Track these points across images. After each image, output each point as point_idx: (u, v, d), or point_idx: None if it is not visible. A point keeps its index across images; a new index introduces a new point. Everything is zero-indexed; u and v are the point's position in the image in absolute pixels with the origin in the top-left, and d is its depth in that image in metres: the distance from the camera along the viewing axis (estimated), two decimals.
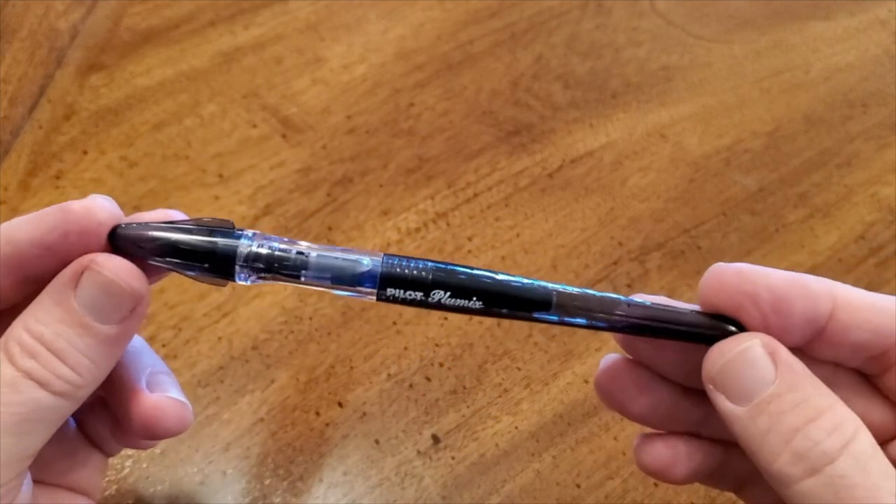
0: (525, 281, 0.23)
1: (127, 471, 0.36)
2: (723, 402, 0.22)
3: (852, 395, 0.23)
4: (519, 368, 0.42)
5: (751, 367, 0.21)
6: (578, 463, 0.39)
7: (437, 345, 0.42)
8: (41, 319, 0.21)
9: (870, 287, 0.47)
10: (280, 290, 0.43)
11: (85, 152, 0.48)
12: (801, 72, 0.60)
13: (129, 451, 0.37)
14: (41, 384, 0.21)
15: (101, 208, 0.22)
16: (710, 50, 0.60)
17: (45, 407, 0.21)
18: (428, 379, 0.41)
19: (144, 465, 0.37)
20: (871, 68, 0.61)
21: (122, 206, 0.24)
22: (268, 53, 0.55)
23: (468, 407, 0.40)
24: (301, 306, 0.42)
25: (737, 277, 0.23)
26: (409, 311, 0.43)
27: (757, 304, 0.22)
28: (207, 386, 0.39)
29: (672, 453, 0.25)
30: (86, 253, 0.22)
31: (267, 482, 0.37)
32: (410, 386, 0.41)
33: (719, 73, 0.59)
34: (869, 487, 0.19)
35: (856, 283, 0.23)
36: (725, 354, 0.22)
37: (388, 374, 0.41)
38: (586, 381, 0.42)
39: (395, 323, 0.43)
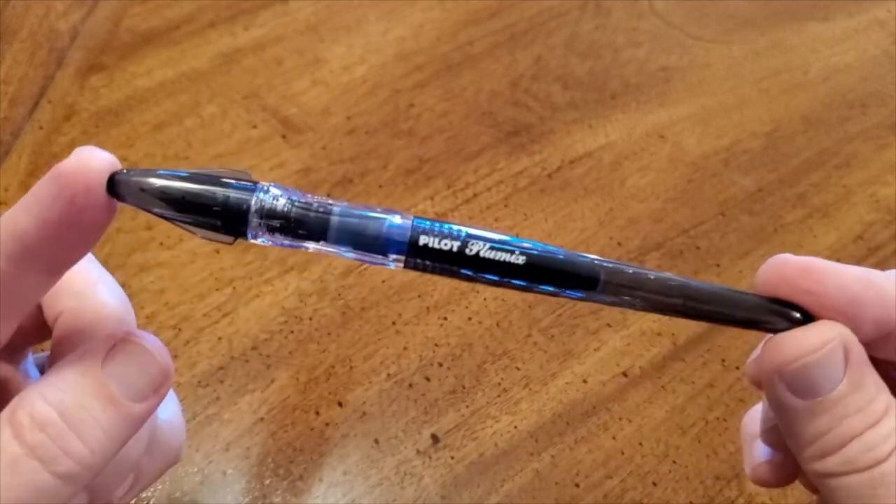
0: (570, 252, 0.21)
1: None
2: (783, 394, 0.20)
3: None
4: (518, 368, 0.42)
5: (827, 365, 0.20)
6: (577, 462, 0.39)
7: (436, 345, 0.42)
8: (62, 386, 0.19)
9: None
10: (280, 291, 0.43)
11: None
12: (800, 72, 0.60)
13: None
14: (45, 463, 0.19)
15: (92, 158, 0.20)
16: (709, 50, 0.60)
17: (43, 492, 0.19)
18: (427, 379, 0.41)
19: None
20: (869, 69, 0.61)
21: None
22: (268, 54, 0.55)
23: (467, 407, 0.40)
24: (301, 306, 0.43)
25: (804, 273, 0.21)
26: (409, 311, 0.43)
27: (825, 305, 0.21)
28: (207, 386, 0.39)
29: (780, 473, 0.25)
30: (96, 207, 0.20)
31: (267, 482, 0.37)
32: (410, 386, 0.41)
33: (718, 74, 0.59)
34: None
35: None
36: (805, 353, 0.20)
37: (388, 374, 0.41)
38: (585, 381, 0.42)
39: (394, 323, 0.43)
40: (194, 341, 0.41)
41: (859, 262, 0.49)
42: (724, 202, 0.51)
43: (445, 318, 0.43)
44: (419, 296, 0.44)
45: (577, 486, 0.39)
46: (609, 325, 0.44)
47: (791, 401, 0.20)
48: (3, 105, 0.49)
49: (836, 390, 0.20)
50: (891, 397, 0.20)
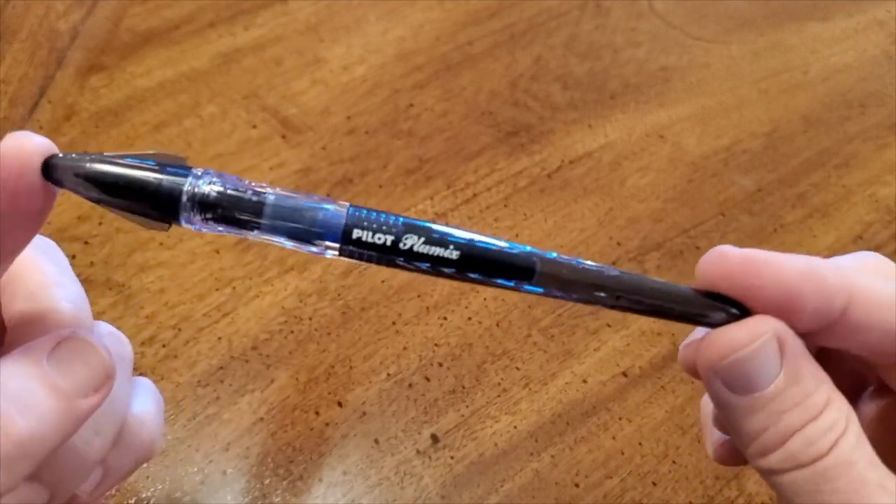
0: (509, 243, 0.21)
1: None
2: (719, 389, 0.20)
3: (847, 378, 0.22)
4: (518, 368, 0.42)
5: (760, 360, 0.20)
6: (577, 462, 0.39)
7: (436, 345, 0.42)
8: (7, 375, 0.19)
9: None
10: (280, 291, 0.43)
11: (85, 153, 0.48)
12: (800, 72, 0.60)
13: None
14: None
15: (26, 141, 0.20)
16: (708, 51, 0.60)
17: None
18: (427, 379, 0.41)
19: (144, 465, 0.37)
20: (869, 69, 0.61)
21: None
22: (268, 54, 0.55)
23: (467, 407, 0.40)
24: (301, 306, 0.43)
25: (742, 266, 0.20)
26: (409, 311, 0.43)
27: (764, 298, 0.20)
28: (207, 386, 0.39)
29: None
30: (31, 192, 0.20)
31: (267, 482, 0.37)
32: (410, 386, 0.41)
33: (718, 74, 0.59)
34: (853, 479, 0.19)
35: None
36: (737, 348, 0.20)
37: (388, 374, 0.41)
38: (585, 381, 0.42)
39: (394, 323, 0.43)
40: (194, 341, 0.41)
41: None
42: (724, 202, 0.51)
43: (445, 318, 0.43)
44: (419, 296, 0.44)
45: (576, 486, 0.39)
46: (609, 325, 0.44)
47: (729, 397, 0.20)
48: (3, 105, 0.49)
49: (773, 385, 0.20)
50: (832, 389, 0.20)
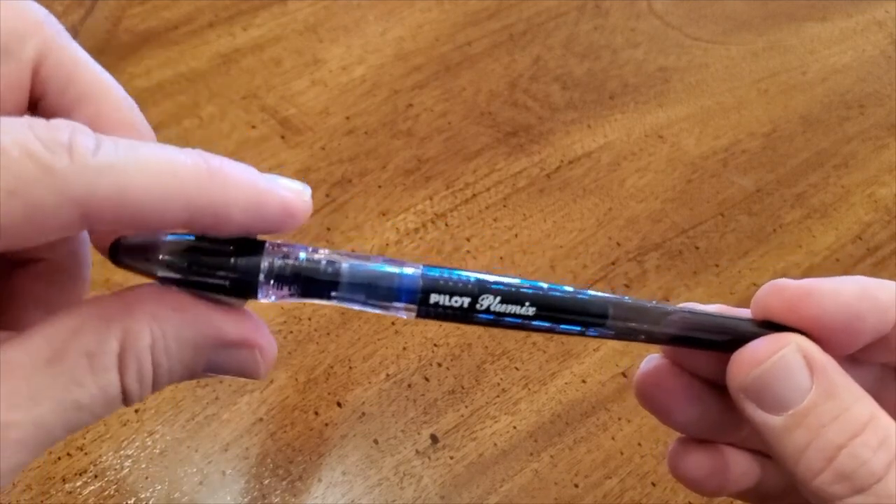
0: (576, 290, 0.21)
1: (126, 471, 0.36)
2: (754, 411, 0.20)
3: (894, 396, 0.22)
4: (517, 368, 0.42)
5: (786, 374, 0.20)
6: (577, 462, 0.39)
7: (435, 345, 0.42)
8: (170, 351, 0.18)
9: None
10: None
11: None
12: (798, 73, 0.60)
13: (129, 451, 0.37)
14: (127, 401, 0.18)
15: (304, 210, 0.19)
16: (707, 51, 0.60)
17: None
18: (426, 379, 0.41)
19: (144, 466, 0.37)
20: (867, 69, 0.61)
21: None
22: (266, 55, 0.55)
23: (467, 407, 0.40)
24: (300, 307, 0.43)
25: (803, 296, 0.21)
26: None
27: (826, 324, 0.20)
28: (206, 386, 0.39)
29: (709, 464, 0.24)
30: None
31: (266, 482, 0.37)
32: (409, 386, 0.41)
33: (716, 75, 0.59)
34: None
35: None
36: (759, 361, 0.20)
37: (387, 375, 0.41)
38: (584, 381, 0.42)
39: (393, 323, 0.43)
40: None
41: (858, 262, 0.49)
42: (723, 202, 0.51)
43: None
44: None
45: (576, 486, 0.39)
46: None
47: (763, 418, 0.20)
48: None
49: (807, 400, 0.20)
50: (873, 403, 0.20)
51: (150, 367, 0.18)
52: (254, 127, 0.50)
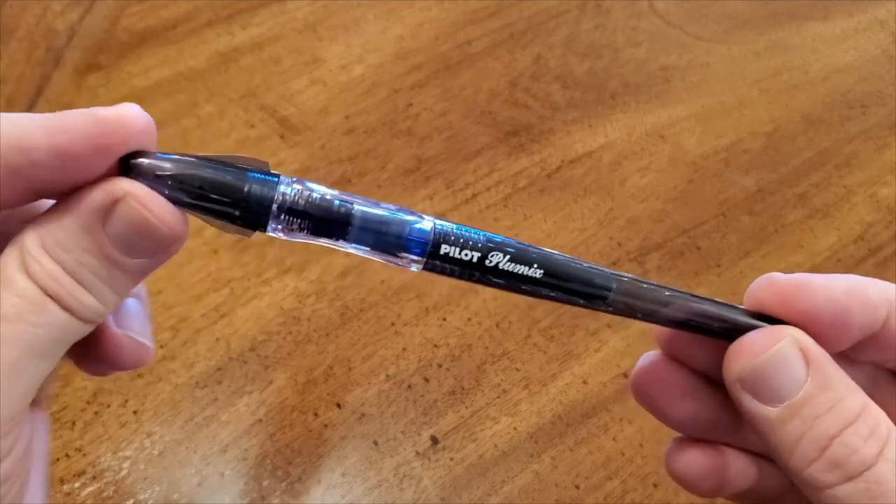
0: (584, 262, 0.22)
1: (125, 472, 0.36)
2: (749, 402, 0.21)
3: (887, 395, 0.22)
4: (517, 369, 0.42)
5: (783, 366, 0.20)
6: (577, 464, 0.39)
7: (435, 346, 0.42)
8: (63, 244, 0.19)
9: None
10: (279, 291, 0.43)
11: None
12: (800, 72, 0.60)
13: (127, 452, 0.37)
14: (67, 309, 0.19)
15: (137, 116, 0.20)
16: (708, 50, 0.60)
17: (69, 331, 0.19)
18: (426, 380, 0.41)
19: (142, 467, 0.36)
20: (869, 69, 0.61)
21: None
22: (266, 54, 0.54)
23: (467, 408, 0.40)
24: (299, 307, 0.42)
25: (794, 289, 0.21)
26: (408, 312, 0.43)
27: (816, 317, 0.21)
28: (206, 387, 0.39)
29: (707, 464, 0.24)
30: (112, 170, 0.20)
31: (265, 483, 0.37)
32: (409, 387, 0.41)
33: (718, 74, 0.59)
34: None
35: None
36: (757, 354, 0.21)
37: (387, 375, 0.41)
38: (585, 382, 0.42)
39: (393, 324, 0.42)
40: (192, 342, 0.41)
41: (860, 262, 0.49)
42: (725, 202, 0.51)
43: (444, 319, 0.43)
44: (418, 296, 0.44)
45: (577, 487, 0.38)
46: (609, 326, 0.44)
47: (759, 409, 0.20)
48: (1, 104, 0.49)
49: (802, 392, 0.20)
50: (865, 396, 0.20)
51: (54, 264, 0.19)
52: (253, 126, 0.50)
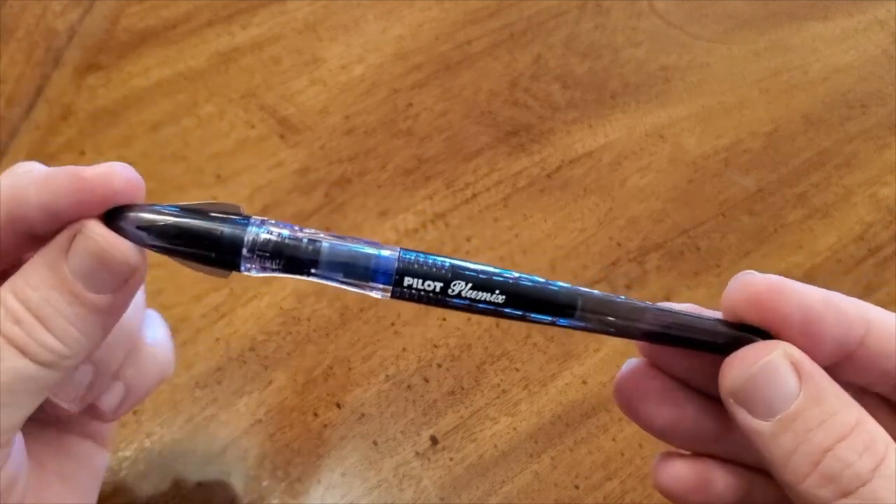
0: (547, 281, 0.22)
1: (124, 472, 0.36)
2: (743, 417, 0.20)
3: (877, 419, 0.22)
4: (517, 369, 0.42)
5: (773, 379, 0.20)
6: (577, 464, 0.39)
7: (435, 346, 0.42)
8: (31, 282, 0.20)
9: (868, 288, 0.47)
10: (278, 291, 0.43)
11: (82, 153, 0.47)
12: (800, 72, 0.60)
13: (127, 452, 0.37)
14: (23, 352, 0.20)
15: (118, 175, 0.21)
16: (708, 50, 0.60)
17: (26, 377, 0.20)
18: (426, 380, 0.41)
19: (142, 468, 0.37)
20: (869, 69, 0.61)
21: None
22: (265, 54, 0.54)
23: (466, 408, 0.40)
24: (299, 307, 0.42)
25: (767, 292, 0.21)
26: (408, 312, 0.43)
27: (787, 324, 0.21)
28: (205, 387, 0.39)
29: (694, 476, 0.24)
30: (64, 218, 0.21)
31: (265, 484, 0.37)
32: (409, 387, 0.41)
33: (718, 74, 0.59)
34: None
35: (854, 284, 0.23)
36: (748, 367, 0.20)
37: (387, 376, 0.41)
38: (585, 382, 0.42)
39: (393, 324, 0.42)
40: (191, 342, 0.41)
41: (860, 262, 0.49)
42: (725, 202, 0.51)
43: (444, 319, 0.43)
44: None
45: (576, 487, 0.39)
46: None
47: (753, 423, 0.20)
48: (1, 104, 0.49)
49: (794, 405, 0.20)
50: (862, 412, 0.20)
51: (18, 304, 0.20)
52: (253, 126, 0.50)
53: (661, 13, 0.62)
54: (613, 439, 0.40)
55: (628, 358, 0.42)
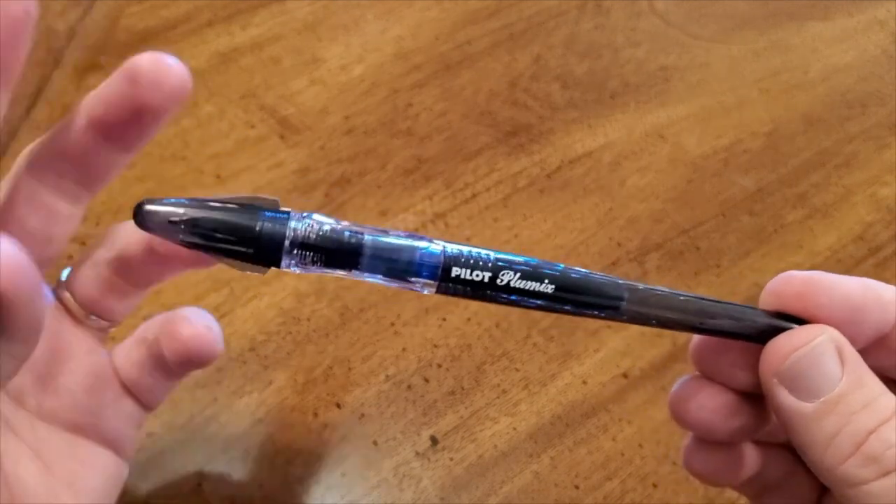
0: (594, 273, 0.22)
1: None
2: (785, 398, 0.21)
3: None
4: (517, 369, 0.42)
5: (820, 362, 0.21)
6: (577, 464, 0.39)
7: (435, 346, 0.42)
8: None
9: None
10: (278, 291, 0.43)
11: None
12: (800, 72, 0.60)
13: None
14: None
15: (170, 71, 0.21)
16: (708, 50, 0.60)
17: None
18: (426, 380, 0.41)
19: (141, 468, 0.36)
20: (869, 69, 0.61)
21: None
22: (265, 54, 0.54)
23: (466, 408, 0.40)
24: (299, 307, 0.42)
25: (811, 283, 0.22)
26: (408, 312, 0.43)
27: (831, 313, 0.22)
28: (205, 387, 0.39)
29: (728, 460, 0.25)
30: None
31: (265, 484, 0.37)
32: (409, 387, 0.41)
33: (718, 74, 0.59)
34: None
35: None
36: (796, 349, 0.21)
37: (387, 376, 0.41)
38: (585, 382, 0.42)
39: (393, 324, 0.42)
40: None
41: (860, 262, 0.49)
42: (724, 202, 0.51)
43: (444, 319, 0.43)
44: (418, 297, 0.44)
45: (576, 487, 0.39)
46: (609, 326, 0.44)
47: (795, 404, 0.21)
48: None
49: (838, 388, 0.20)
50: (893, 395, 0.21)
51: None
52: (252, 126, 0.50)
53: (661, 13, 0.62)
54: (613, 439, 0.40)
55: (628, 358, 0.43)
